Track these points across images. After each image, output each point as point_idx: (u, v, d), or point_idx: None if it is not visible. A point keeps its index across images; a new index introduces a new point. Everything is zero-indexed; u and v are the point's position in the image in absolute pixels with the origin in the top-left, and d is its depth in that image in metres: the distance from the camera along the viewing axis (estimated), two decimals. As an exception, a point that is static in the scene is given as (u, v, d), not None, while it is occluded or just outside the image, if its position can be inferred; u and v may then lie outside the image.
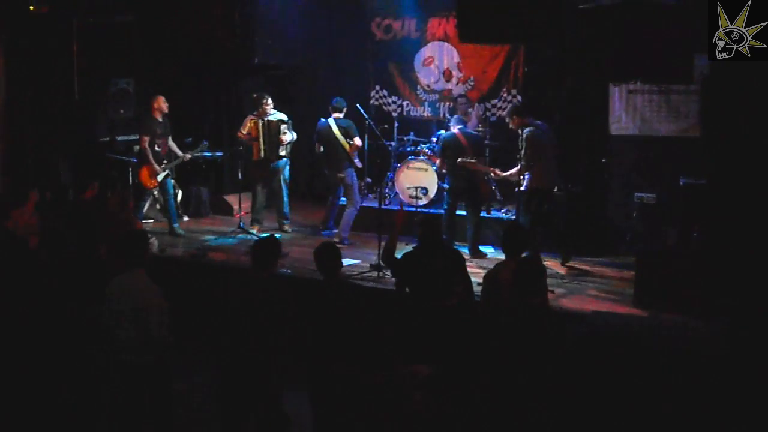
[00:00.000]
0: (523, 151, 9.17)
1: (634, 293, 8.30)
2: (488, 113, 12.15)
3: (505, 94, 12.10)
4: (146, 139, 10.76)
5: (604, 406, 6.19)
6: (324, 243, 6.34)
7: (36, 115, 11.33)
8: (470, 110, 11.94)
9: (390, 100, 12.99)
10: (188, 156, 11.11)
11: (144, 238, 6.36)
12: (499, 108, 12.11)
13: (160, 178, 10.84)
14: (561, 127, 10.21)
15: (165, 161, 10.89)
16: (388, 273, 8.28)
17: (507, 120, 9.65)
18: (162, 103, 10.80)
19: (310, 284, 7.29)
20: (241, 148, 11.24)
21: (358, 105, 11.60)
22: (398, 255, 6.75)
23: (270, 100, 10.89)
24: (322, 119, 10.80)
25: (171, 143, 11.05)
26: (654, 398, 6.18)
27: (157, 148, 10.81)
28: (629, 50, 9.72)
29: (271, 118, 10.84)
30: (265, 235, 8.34)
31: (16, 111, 11.23)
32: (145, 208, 11.49)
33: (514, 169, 9.31)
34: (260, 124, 10.83)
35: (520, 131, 9.29)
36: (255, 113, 10.92)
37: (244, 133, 10.94)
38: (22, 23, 10.98)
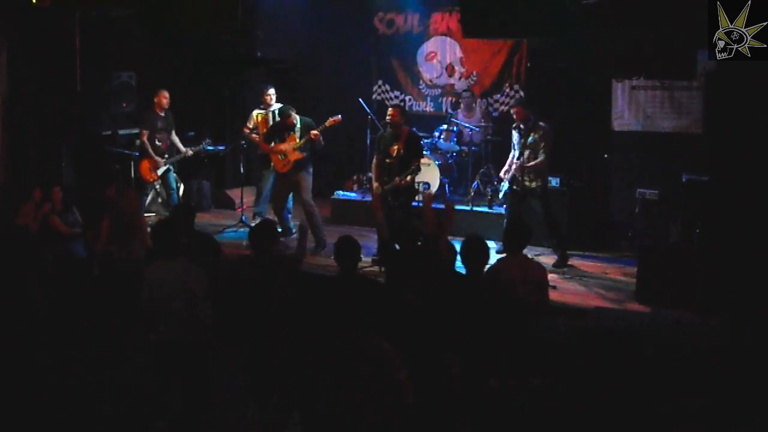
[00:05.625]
0: (543, 145, 9.16)
1: (636, 289, 8.30)
2: (491, 108, 12.16)
3: (507, 89, 12.11)
4: (146, 132, 10.78)
5: (605, 401, 6.19)
6: (344, 236, 6.26)
7: (38, 109, 11.30)
8: (474, 105, 11.98)
9: (392, 95, 12.98)
10: (190, 152, 11.11)
11: (178, 227, 6.51)
12: (502, 103, 12.12)
13: (160, 172, 10.84)
14: (563, 122, 10.20)
15: (166, 155, 10.89)
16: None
17: (518, 110, 9.45)
18: (163, 98, 10.80)
19: (316, 278, 7.32)
20: (243, 142, 11.22)
21: (360, 99, 11.58)
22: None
23: (272, 90, 10.80)
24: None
25: (174, 138, 11.05)
26: (655, 394, 6.18)
27: (158, 143, 10.81)
28: (632, 46, 9.73)
29: (275, 110, 10.75)
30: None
31: (18, 105, 11.21)
32: (147, 202, 11.48)
33: (539, 161, 9.22)
34: (269, 116, 10.72)
35: (520, 124, 9.31)
36: (261, 107, 10.86)
37: (250, 127, 10.85)
38: (24, 17, 10.96)
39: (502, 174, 9.63)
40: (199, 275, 5.99)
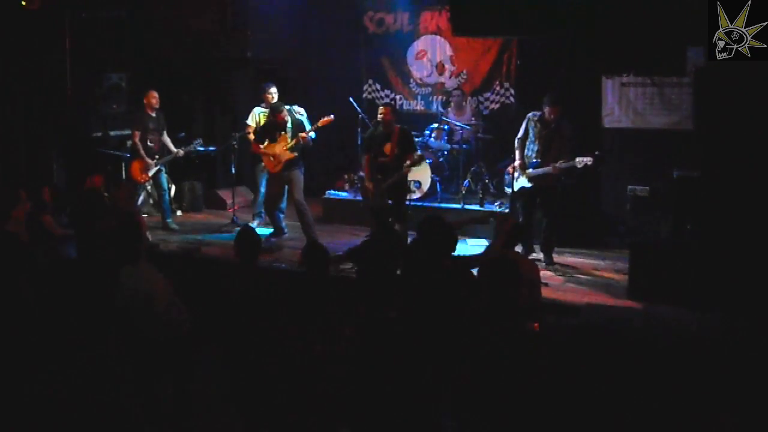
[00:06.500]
0: (570, 143, 9.07)
1: (627, 286, 8.31)
2: (481, 106, 12.18)
3: (497, 87, 12.13)
4: (137, 134, 10.77)
5: (597, 398, 6.21)
6: (311, 242, 6.29)
7: (28, 111, 11.31)
8: (464, 103, 11.99)
9: (383, 94, 12.99)
10: (181, 152, 11.11)
11: (138, 232, 6.44)
12: (492, 101, 12.15)
13: (151, 172, 10.83)
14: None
15: (157, 156, 10.89)
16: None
17: (556, 109, 9.04)
18: (152, 98, 10.78)
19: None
20: (235, 143, 11.21)
21: (351, 99, 11.58)
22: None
23: (274, 89, 10.69)
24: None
25: (165, 138, 11.04)
26: (647, 390, 6.20)
27: (149, 143, 10.80)
28: (622, 43, 9.76)
29: None
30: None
31: (9, 107, 11.20)
32: (139, 203, 11.47)
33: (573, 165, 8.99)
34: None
35: (546, 120, 9.14)
36: (263, 105, 10.81)
37: (251, 125, 10.73)
38: (14, 19, 10.94)
39: (516, 165, 9.33)
40: (160, 278, 6.08)
